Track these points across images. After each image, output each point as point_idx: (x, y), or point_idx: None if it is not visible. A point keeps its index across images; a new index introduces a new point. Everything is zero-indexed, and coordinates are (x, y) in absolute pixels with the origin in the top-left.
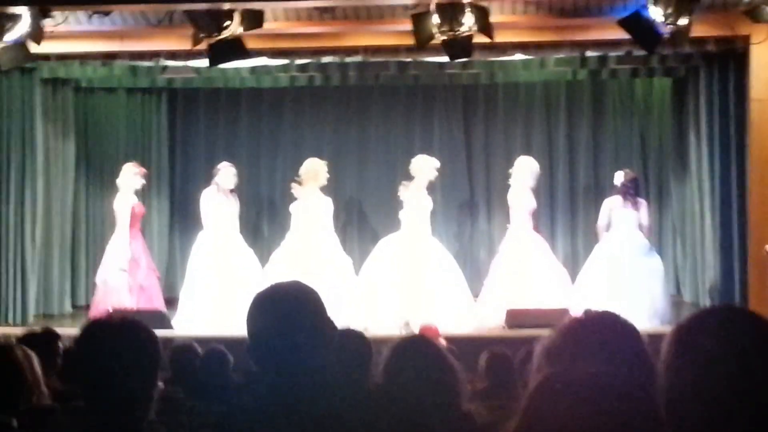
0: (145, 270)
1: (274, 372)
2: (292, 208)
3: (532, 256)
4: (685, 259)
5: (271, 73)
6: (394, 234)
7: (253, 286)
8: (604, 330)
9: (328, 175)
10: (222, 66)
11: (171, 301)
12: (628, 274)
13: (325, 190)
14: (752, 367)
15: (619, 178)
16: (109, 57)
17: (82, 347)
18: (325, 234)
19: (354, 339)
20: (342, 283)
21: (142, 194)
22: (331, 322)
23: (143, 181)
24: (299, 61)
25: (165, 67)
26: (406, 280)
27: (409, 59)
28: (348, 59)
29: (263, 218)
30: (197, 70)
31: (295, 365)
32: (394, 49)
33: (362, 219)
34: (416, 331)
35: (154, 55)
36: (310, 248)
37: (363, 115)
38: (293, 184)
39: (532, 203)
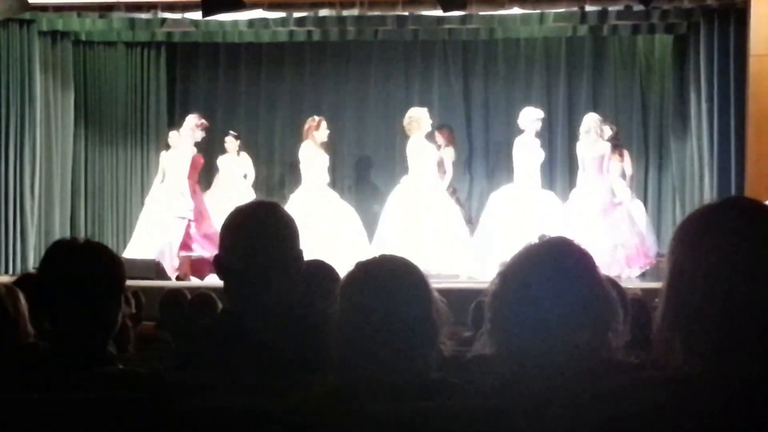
0: (208, 219)
1: (236, 287)
2: (409, 150)
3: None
4: (684, 216)
5: (269, 27)
6: (505, 186)
7: (353, 239)
8: (557, 254)
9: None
10: (218, 18)
11: None
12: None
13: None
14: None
15: (606, 132)
16: (105, 8)
17: (45, 267)
18: (433, 180)
19: (321, 269)
20: (451, 226)
21: (141, 149)
22: (300, 252)
23: (204, 134)
24: (297, 15)
25: (164, 21)
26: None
27: (406, 13)
28: (345, 12)
29: (261, 172)
30: (196, 23)
31: (257, 284)
32: (391, 2)
33: (361, 173)
34: None
35: (151, 6)
36: (421, 193)
37: (362, 70)
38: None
39: (603, 150)
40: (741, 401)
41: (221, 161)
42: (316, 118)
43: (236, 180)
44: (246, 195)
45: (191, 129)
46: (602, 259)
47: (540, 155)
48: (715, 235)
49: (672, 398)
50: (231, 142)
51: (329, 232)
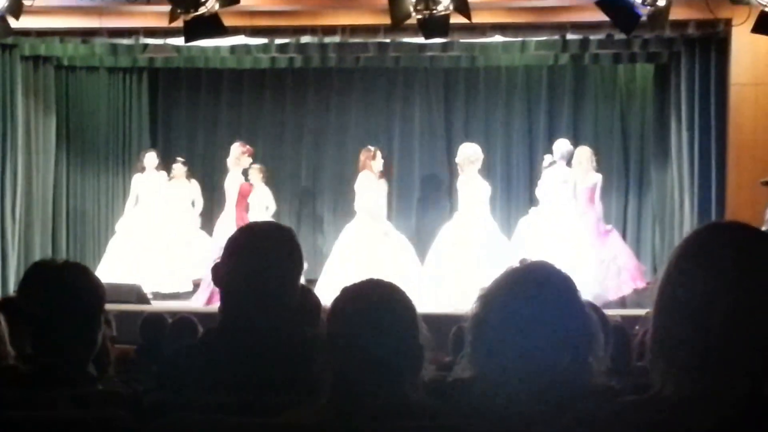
0: None
1: (230, 301)
2: (459, 186)
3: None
4: (663, 244)
5: (251, 53)
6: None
7: (407, 269)
8: (538, 278)
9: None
10: (200, 44)
11: None
12: None
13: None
14: (757, 279)
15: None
16: (88, 34)
17: (25, 288)
18: (484, 215)
19: (307, 296)
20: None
21: (123, 173)
22: (299, 282)
23: (251, 160)
24: (279, 41)
25: (146, 46)
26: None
27: (387, 40)
28: (327, 39)
29: None
30: (178, 49)
31: (252, 303)
32: (373, 29)
33: (342, 200)
34: None
35: (133, 32)
36: (472, 229)
37: (344, 97)
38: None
39: (595, 180)
40: (720, 424)
41: (168, 187)
42: (371, 148)
43: (183, 207)
44: (192, 223)
45: (237, 157)
46: (612, 283)
47: (570, 185)
48: (696, 260)
49: (653, 421)
50: (179, 169)
51: (384, 262)
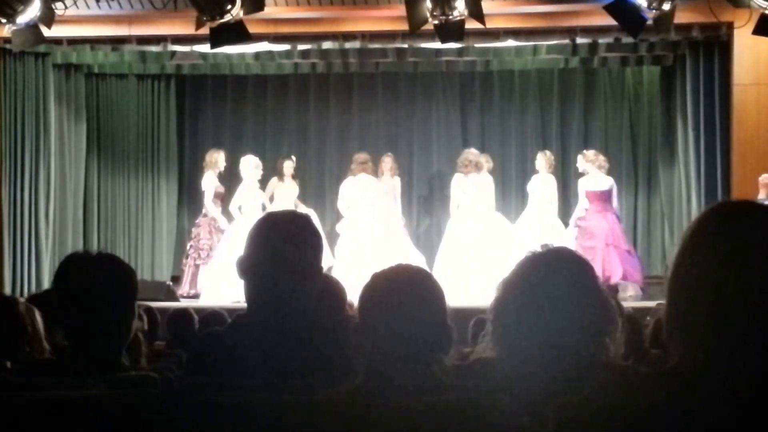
0: None
1: (256, 290)
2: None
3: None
4: (673, 240)
5: (275, 59)
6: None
7: None
8: (559, 262)
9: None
10: (225, 50)
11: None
12: None
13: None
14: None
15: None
16: (117, 41)
17: (60, 279)
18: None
19: (331, 283)
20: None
21: (152, 177)
22: (321, 265)
23: None
24: (301, 47)
25: (173, 54)
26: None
27: (405, 45)
28: (347, 45)
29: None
30: (204, 56)
31: (278, 289)
32: (391, 35)
33: None
34: None
35: (161, 39)
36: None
37: (365, 101)
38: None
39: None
40: (736, 396)
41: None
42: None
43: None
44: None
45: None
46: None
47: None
48: (710, 235)
49: (669, 393)
50: (289, 167)
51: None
